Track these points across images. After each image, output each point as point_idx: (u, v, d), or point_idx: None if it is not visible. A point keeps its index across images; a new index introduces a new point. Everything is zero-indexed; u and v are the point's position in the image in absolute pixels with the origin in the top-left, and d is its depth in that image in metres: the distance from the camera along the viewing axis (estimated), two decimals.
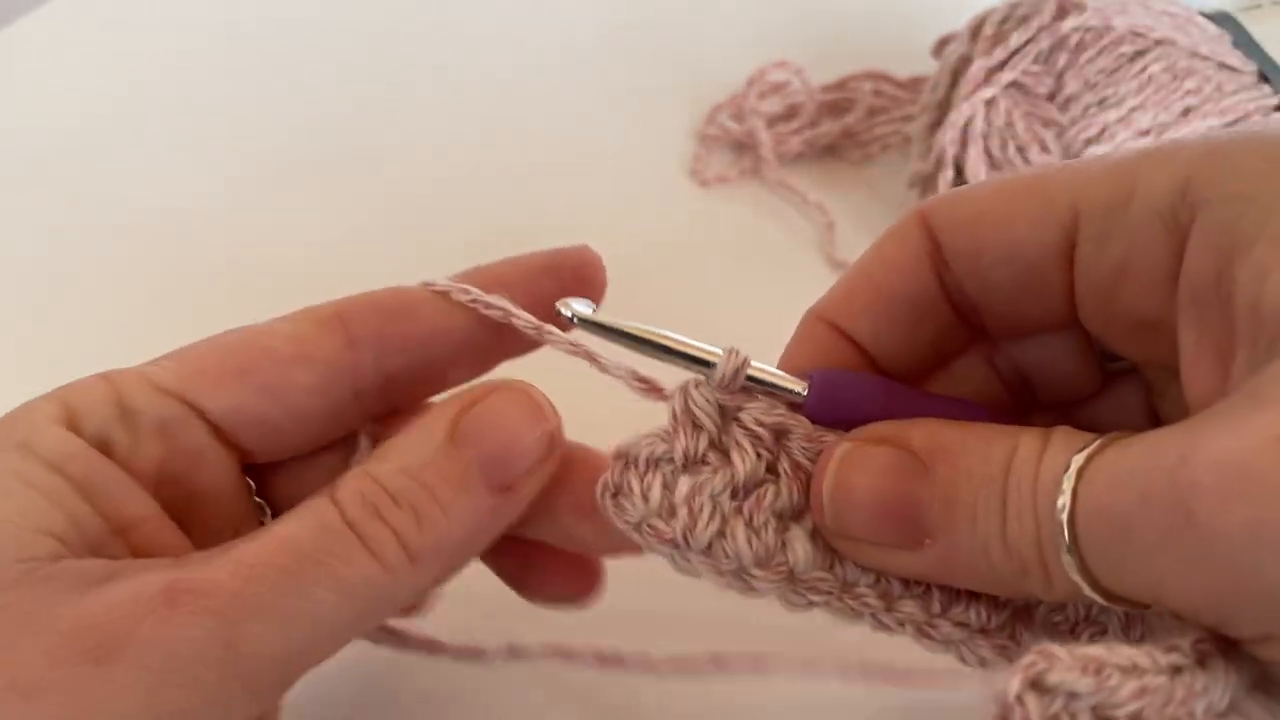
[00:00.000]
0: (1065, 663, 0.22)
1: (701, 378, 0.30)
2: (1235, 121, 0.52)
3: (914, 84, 0.63)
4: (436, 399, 0.34)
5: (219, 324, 0.32)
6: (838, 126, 0.62)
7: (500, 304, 0.32)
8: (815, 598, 0.30)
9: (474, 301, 0.32)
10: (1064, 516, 0.24)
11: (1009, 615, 0.30)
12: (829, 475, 0.28)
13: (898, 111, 0.62)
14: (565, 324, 0.30)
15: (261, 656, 0.26)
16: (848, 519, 0.28)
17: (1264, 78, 0.53)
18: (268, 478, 0.33)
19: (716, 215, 0.59)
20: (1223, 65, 0.53)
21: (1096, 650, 0.22)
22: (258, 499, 0.33)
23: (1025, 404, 0.32)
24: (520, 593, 0.36)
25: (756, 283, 0.55)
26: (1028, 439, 0.26)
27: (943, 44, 0.60)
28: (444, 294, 0.32)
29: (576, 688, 0.38)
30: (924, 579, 0.29)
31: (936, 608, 0.29)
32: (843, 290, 0.31)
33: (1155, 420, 0.31)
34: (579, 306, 0.30)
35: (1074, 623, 0.30)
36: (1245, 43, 0.54)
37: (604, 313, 0.30)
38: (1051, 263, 0.28)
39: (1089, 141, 0.51)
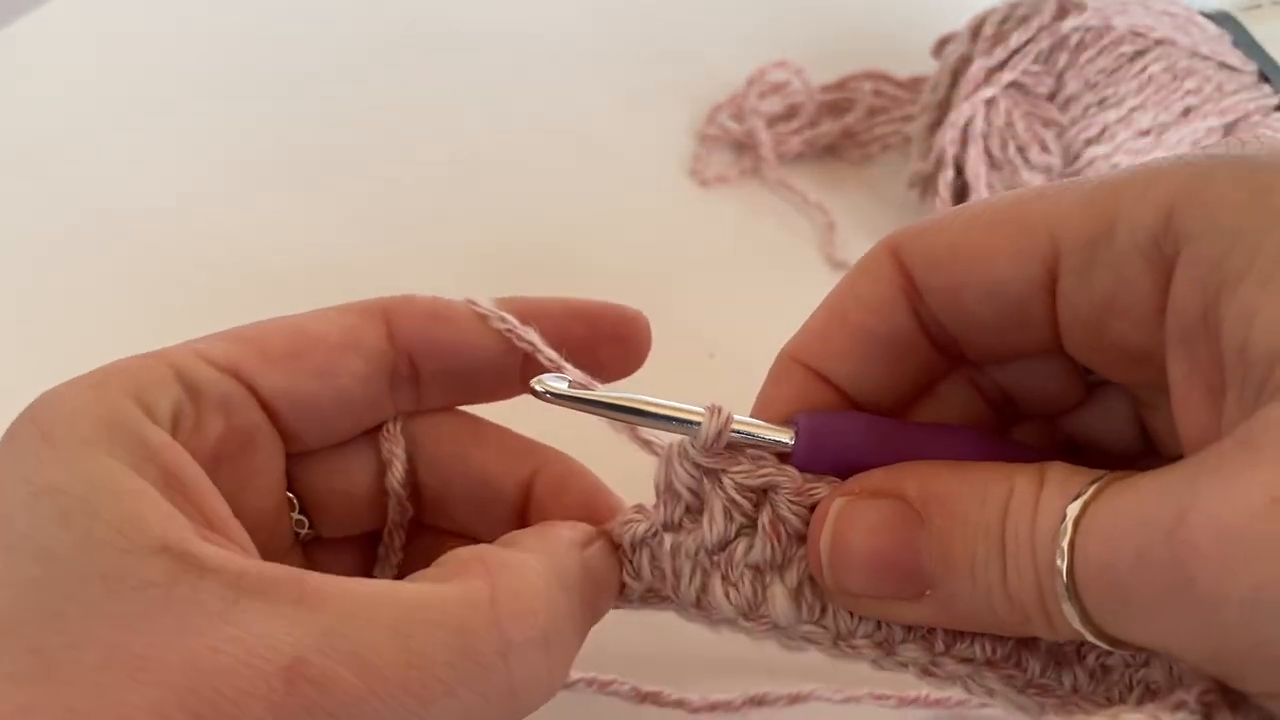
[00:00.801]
0: None
1: (686, 441, 0.29)
2: (1235, 122, 0.52)
3: (914, 84, 0.63)
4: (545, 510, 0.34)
5: (222, 324, 0.32)
6: (838, 126, 0.62)
7: (530, 338, 0.32)
8: (810, 645, 0.30)
9: (508, 330, 0.32)
10: (1063, 568, 0.24)
11: (1013, 645, 0.30)
12: (825, 533, 0.28)
13: (898, 111, 0.62)
14: (541, 398, 0.30)
15: None
16: (846, 576, 0.28)
17: (1264, 78, 0.53)
18: (294, 467, 0.33)
19: (716, 215, 0.59)
20: (1223, 65, 0.53)
21: None
22: (288, 493, 0.33)
23: (1009, 418, 0.32)
24: None
25: (756, 283, 0.55)
26: (1022, 482, 0.25)
27: (943, 44, 0.60)
28: (483, 317, 0.32)
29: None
30: (927, 625, 0.29)
31: (940, 647, 0.29)
32: (816, 330, 0.30)
33: (1142, 430, 0.30)
34: (553, 382, 0.30)
35: (1078, 644, 0.30)
36: (1245, 42, 0.54)
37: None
38: (1034, 298, 0.27)
39: (1089, 141, 0.51)
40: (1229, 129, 0.52)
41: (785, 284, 0.55)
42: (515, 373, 0.33)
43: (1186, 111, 0.52)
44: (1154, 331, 0.26)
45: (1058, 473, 0.25)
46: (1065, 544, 0.23)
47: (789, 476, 0.29)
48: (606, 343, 0.33)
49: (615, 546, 0.31)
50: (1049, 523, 0.24)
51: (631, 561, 0.31)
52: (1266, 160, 0.24)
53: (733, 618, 0.30)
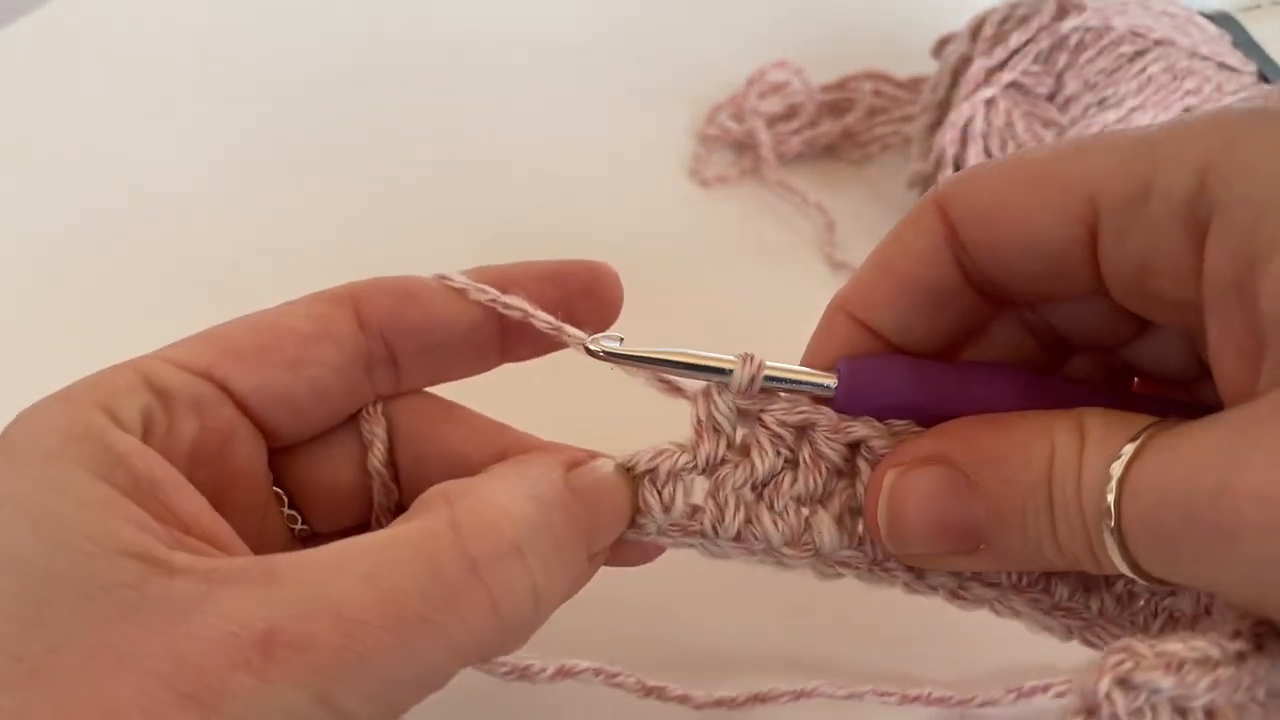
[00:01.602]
0: (1149, 661, 0.23)
1: (724, 387, 0.31)
2: None
3: (914, 84, 0.63)
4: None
5: (219, 317, 0.32)
6: (838, 126, 0.62)
7: (519, 304, 0.32)
8: (845, 571, 0.32)
9: (492, 301, 0.32)
10: (1110, 524, 0.25)
11: (1041, 572, 0.31)
12: (881, 504, 0.30)
13: (898, 111, 0.62)
14: (595, 357, 0.31)
15: (362, 717, 0.24)
16: (907, 541, 0.29)
17: (1264, 78, 0.53)
18: (280, 463, 0.33)
19: (716, 215, 0.59)
20: (1222, 65, 0.53)
21: (1175, 646, 0.24)
22: (275, 488, 0.33)
23: (1062, 354, 0.33)
24: None
25: (756, 283, 0.55)
26: (1063, 440, 0.27)
27: (943, 44, 0.60)
28: (460, 291, 0.32)
29: (620, 713, 0.38)
30: (981, 570, 0.31)
31: (968, 572, 0.31)
32: (864, 281, 0.31)
33: (1196, 360, 0.31)
34: (607, 342, 0.31)
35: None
36: (1245, 43, 0.54)
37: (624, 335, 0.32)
38: (1074, 254, 0.28)
39: None
40: None
41: (785, 284, 0.55)
42: (494, 344, 0.33)
43: (1186, 111, 0.52)
44: (1192, 286, 0.26)
45: (1095, 426, 0.27)
46: (1112, 501, 0.25)
47: (825, 415, 0.31)
48: (579, 299, 0.33)
49: (629, 474, 0.31)
50: (1094, 480, 0.26)
51: (660, 493, 0.31)
52: None
53: (778, 546, 0.31)
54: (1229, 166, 0.25)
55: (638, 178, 0.60)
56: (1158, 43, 0.53)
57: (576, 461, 0.31)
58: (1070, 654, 0.32)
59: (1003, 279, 0.30)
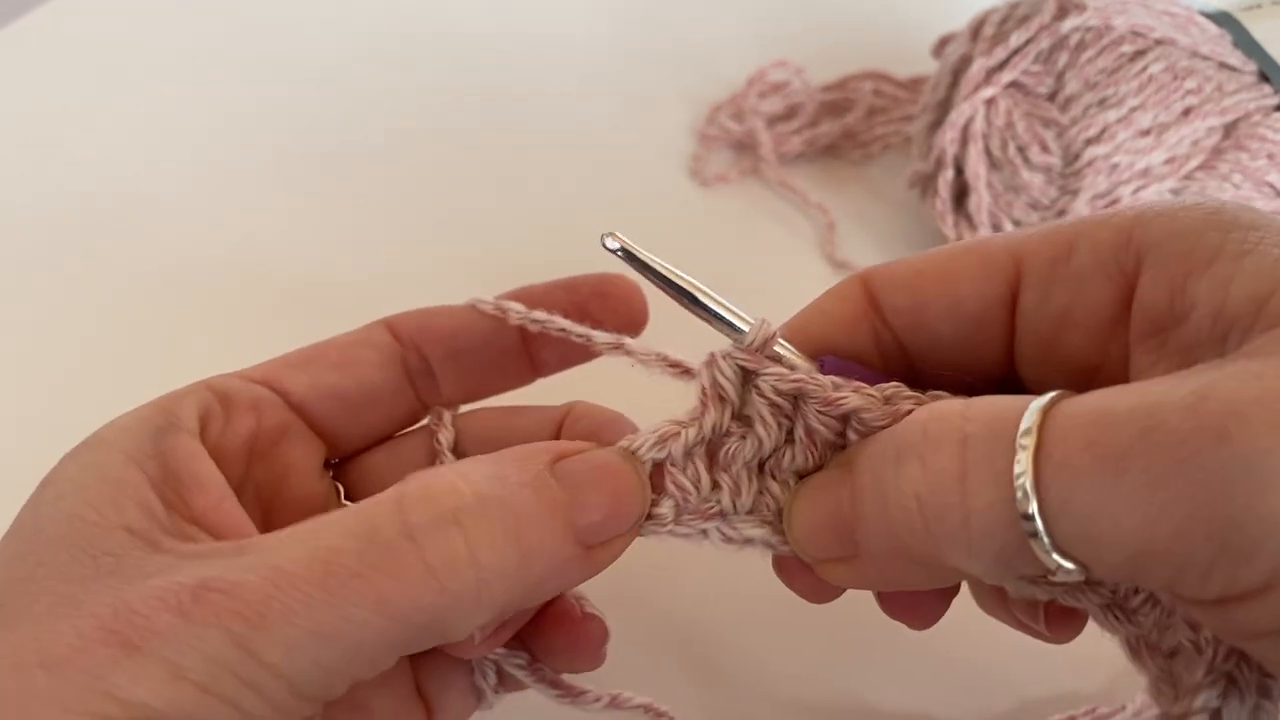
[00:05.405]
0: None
1: (726, 350, 0.30)
2: (1235, 121, 0.52)
3: (914, 84, 0.63)
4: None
5: (218, 321, 0.32)
6: (838, 126, 0.62)
7: (548, 317, 0.34)
8: None
9: (521, 318, 0.34)
10: (1027, 446, 0.23)
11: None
12: (787, 509, 0.30)
13: (898, 111, 0.62)
14: (610, 251, 0.31)
15: (282, 669, 0.25)
16: (799, 545, 0.30)
17: (1264, 77, 0.53)
18: (352, 477, 0.35)
19: (716, 215, 0.59)
20: (1223, 65, 0.53)
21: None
22: (347, 501, 0.35)
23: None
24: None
25: (757, 283, 0.55)
26: (949, 403, 0.27)
27: (943, 44, 0.60)
28: (484, 308, 0.35)
29: None
30: (859, 586, 0.30)
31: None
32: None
33: None
34: (625, 240, 0.31)
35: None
36: (1245, 42, 0.54)
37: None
38: (994, 316, 0.29)
39: (1089, 141, 0.51)
40: (1229, 129, 0.52)
41: (785, 284, 0.55)
42: (519, 352, 0.35)
43: (1186, 111, 0.52)
44: (1106, 345, 0.28)
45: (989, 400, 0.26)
46: (1035, 424, 0.23)
47: (819, 384, 0.30)
48: (591, 300, 0.35)
49: (632, 458, 0.30)
50: (993, 412, 0.25)
51: (685, 473, 0.30)
52: (1205, 200, 0.27)
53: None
54: (1155, 220, 0.27)
55: (638, 178, 0.60)
56: (1158, 42, 0.52)
57: (560, 455, 0.30)
58: (1089, 682, 0.32)
59: (920, 347, 0.31)
